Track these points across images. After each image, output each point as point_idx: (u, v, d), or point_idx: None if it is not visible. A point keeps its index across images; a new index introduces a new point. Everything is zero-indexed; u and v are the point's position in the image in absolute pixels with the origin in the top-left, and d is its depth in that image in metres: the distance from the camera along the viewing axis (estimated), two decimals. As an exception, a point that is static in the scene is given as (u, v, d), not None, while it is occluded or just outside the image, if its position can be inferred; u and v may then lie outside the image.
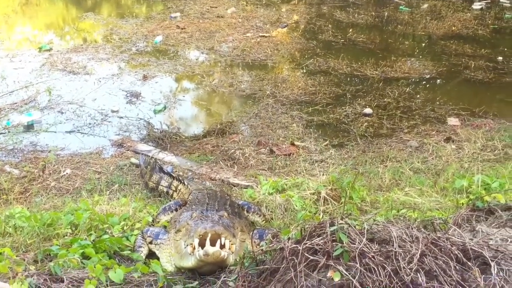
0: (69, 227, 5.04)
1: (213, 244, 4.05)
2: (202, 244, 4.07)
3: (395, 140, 8.85)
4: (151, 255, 4.87)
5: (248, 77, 11.53)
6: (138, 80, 11.12)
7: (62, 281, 3.68)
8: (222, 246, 4.09)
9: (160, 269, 4.10)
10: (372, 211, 5.74)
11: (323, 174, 7.07)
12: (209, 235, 4.11)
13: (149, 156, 7.90)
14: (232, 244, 4.19)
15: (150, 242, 4.89)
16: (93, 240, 4.66)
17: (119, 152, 8.42)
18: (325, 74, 11.50)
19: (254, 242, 4.48)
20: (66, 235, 4.91)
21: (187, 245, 4.23)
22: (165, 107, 10.00)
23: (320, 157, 8.23)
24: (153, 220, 5.56)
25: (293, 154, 8.30)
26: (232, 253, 4.14)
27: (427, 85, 11.47)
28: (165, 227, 5.16)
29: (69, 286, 3.66)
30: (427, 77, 11.71)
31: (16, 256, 4.23)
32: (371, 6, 17.02)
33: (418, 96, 10.62)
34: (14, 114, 9.30)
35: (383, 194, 6.56)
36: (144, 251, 4.84)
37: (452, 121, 9.43)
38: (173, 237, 4.67)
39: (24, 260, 4.13)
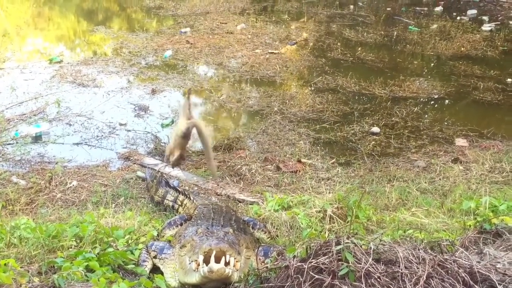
0: (74, 239, 5.04)
1: (218, 261, 4.03)
2: (207, 261, 4.06)
3: (402, 159, 8.82)
4: (155, 269, 4.84)
5: (256, 93, 11.56)
6: (146, 94, 11.18)
7: (66, 294, 3.66)
8: (227, 264, 4.07)
9: (164, 284, 4.08)
10: (379, 230, 5.69)
11: (329, 192, 7.04)
12: (214, 252, 4.09)
13: (155, 170, 7.90)
14: (237, 261, 4.17)
15: (155, 257, 4.87)
16: (98, 253, 4.64)
17: (125, 165, 8.43)
18: (333, 92, 11.52)
19: (259, 259, 4.45)
20: (71, 248, 4.90)
21: (192, 261, 4.22)
22: (173, 121, 10.03)
23: (326, 175, 8.21)
24: (158, 235, 5.55)
25: (299, 171, 8.28)
26: (237, 270, 4.12)
27: (436, 105, 11.46)
28: (169, 241, 5.14)
29: (73, 299, 3.65)
30: (435, 97, 11.70)
31: (20, 267, 4.23)
32: (380, 25, 17.07)
33: (426, 116, 10.61)
34: (22, 125, 9.35)
35: (389, 213, 6.52)
36: (148, 265, 4.82)
37: (460, 142, 9.40)
38: (177, 252, 4.66)
39: (28, 271, 4.12)
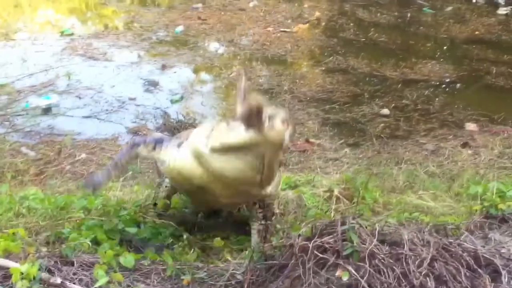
0: (82, 211, 5.08)
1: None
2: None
3: (411, 142, 8.79)
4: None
5: (266, 71, 11.52)
6: (157, 69, 11.17)
7: (73, 264, 3.70)
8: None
9: (170, 259, 4.09)
10: (384, 212, 5.71)
11: (336, 173, 7.04)
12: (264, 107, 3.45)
13: None
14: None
15: (154, 148, 4.13)
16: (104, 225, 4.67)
17: (134, 140, 8.46)
18: (344, 72, 11.45)
19: None
20: (79, 219, 4.94)
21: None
22: (182, 98, 10.03)
23: (334, 155, 8.21)
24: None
25: (307, 151, 8.29)
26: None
27: (447, 89, 11.36)
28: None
29: (79, 269, 3.69)
30: (447, 80, 11.59)
31: (28, 237, 4.28)
32: (394, 6, 16.83)
33: (437, 99, 10.53)
34: (33, 96, 9.38)
35: (396, 196, 6.51)
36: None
37: (470, 126, 9.34)
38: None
39: (36, 241, 4.17)
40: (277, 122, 3.39)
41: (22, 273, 3.34)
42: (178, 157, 3.81)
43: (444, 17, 15.64)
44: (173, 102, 9.86)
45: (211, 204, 4.16)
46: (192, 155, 3.68)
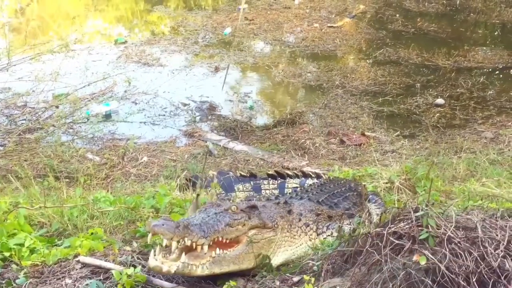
0: (152, 210, 5.27)
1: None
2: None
3: (469, 131, 8.70)
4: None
5: (316, 67, 11.57)
6: (210, 71, 11.36)
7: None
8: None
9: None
10: (447, 201, 5.68)
11: (395, 164, 7.03)
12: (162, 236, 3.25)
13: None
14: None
15: None
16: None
17: (192, 141, 8.68)
18: (395, 64, 11.39)
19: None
20: (149, 218, 5.13)
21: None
22: (240, 99, 10.17)
23: (391, 147, 8.20)
24: None
25: (363, 144, 8.31)
26: (200, 264, 3.29)
27: (502, 75, 11.13)
28: None
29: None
30: (501, 66, 11.36)
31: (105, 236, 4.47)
32: (442, -6, 16.60)
33: (492, 86, 10.34)
34: (93, 104, 9.69)
35: (458, 185, 6.47)
36: None
37: (529, 111, 9.16)
38: None
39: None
40: (151, 256, 3.32)
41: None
42: None
43: (495, 2, 15.30)
44: (227, 102, 10.04)
45: None
46: None
